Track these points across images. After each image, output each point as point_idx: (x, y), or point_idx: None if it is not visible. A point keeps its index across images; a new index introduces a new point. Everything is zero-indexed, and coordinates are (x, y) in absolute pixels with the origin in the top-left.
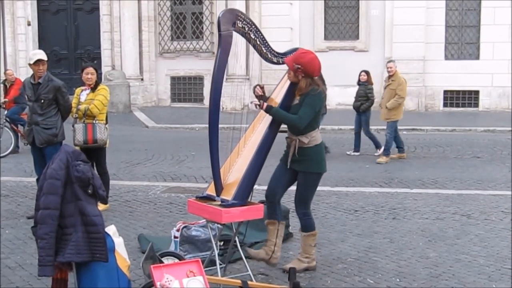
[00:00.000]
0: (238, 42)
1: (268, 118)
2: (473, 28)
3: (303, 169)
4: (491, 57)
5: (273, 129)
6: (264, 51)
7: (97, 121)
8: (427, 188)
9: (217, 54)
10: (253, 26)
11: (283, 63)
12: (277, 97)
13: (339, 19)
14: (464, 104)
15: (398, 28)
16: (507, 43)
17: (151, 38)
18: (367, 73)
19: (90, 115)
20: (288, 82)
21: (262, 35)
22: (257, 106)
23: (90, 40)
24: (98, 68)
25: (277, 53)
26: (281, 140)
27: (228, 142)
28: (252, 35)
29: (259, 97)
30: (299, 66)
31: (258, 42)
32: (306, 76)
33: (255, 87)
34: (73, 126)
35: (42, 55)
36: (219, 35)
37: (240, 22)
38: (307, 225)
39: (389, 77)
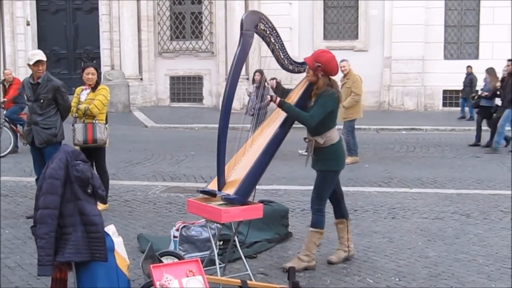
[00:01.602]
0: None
1: (278, 120)
2: (472, 27)
3: (320, 168)
4: (491, 57)
5: (283, 130)
6: (282, 57)
7: (97, 121)
8: (426, 188)
9: (236, 52)
10: (274, 31)
11: (298, 71)
12: (293, 97)
13: (339, 19)
14: None
15: (397, 27)
16: (506, 42)
17: (150, 38)
18: (261, 73)
19: (90, 115)
20: (305, 86)
21: (281, 41)
22: (271, 101)
23: (89, 40)
24: (97, 68)
25: (293, 61)
26: (286, 140)
27: (233, 141)
28: (272, 39)
29: (273, 90)
30: (319, 64)
31: (277, 47)
32: (325, 75)
33: (271, 79)
34: (73, 125)
35: (41, 55)
36: (241, 34)
37: (263, 25)
38: (318, 222)
39: (344, 76)
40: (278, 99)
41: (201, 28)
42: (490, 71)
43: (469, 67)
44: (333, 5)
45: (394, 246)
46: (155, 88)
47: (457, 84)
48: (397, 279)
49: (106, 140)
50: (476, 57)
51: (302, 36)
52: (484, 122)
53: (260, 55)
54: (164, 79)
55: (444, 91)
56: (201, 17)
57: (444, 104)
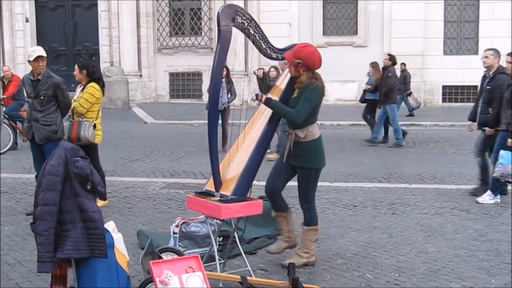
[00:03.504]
0: (237, 38)
1: (267, 114)
2: (471, 23)
3: (300, 165)
4: None
5: (272, 124)
6: (264, 46)
7: (84, 119)
8: (426, 183)
9: (216, 49)
10: (253, 22)
11: (282, 58)
12: (277, 91)
13: (338, 14)
14: (463, 99)
15: (397, 23)
16: (506, 38)
17: (150, 34)
18: (276, 69)
19: (78, 113)
20: (288, 77)
21: (261, 30)
22: (256, 99)
23: (88, 36)
24: (88, 65)
25: (276, 48)
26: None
27: (227, 138)
28: (251, 31)
29: (260, 80)
30: (300, 61)
31: (258, 38)
32: (307, 70)
33: (258, 69)
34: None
35: (41, 51)
36: (219, 30)
37: (240, 18)
38: (310, 219)
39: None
40: (264, 97)
41: (200, 24)
42: (374, 65)
43: (402, 64)
44: (332, 1)
45: (393, 241)
46: (155, 84)
47: (457, 79)
48: (397, 275)
49: (92, 138)
50: (476, 52)
51: (302, 32)
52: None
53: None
54: (164, 75)
55: (444, 87)
56: (200, 13)
57: (444, 100)
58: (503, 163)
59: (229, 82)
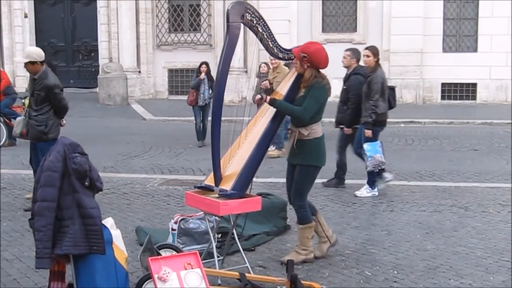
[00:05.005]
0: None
1: (270, 112)
2: (471, 20)
3: (301, 162)
4: (489, 50)
5: (275, 122)
6: (271, 45)
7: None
8: (425, 181)
9: (224, 45)
10: (261, 20)
11: (288, 59)
12: (282, 90)
13: (337, 11)
14: (462, 96)
15: (396, 20)
16: (505, 35)
17: (149, 30)
18: (266, 64)
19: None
20: (294, 77)
21: (269, 29)
22: (261, 100)
23: (87, 32)
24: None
25: (283, 48)
26: None
27: (227, 135)
28: (259, 29)
29: (264, 91)
30: (305, 55)
31: (266, 36)
32: (311, 67)
33: (263, 81)
34: None
35: (30, 57)
36: (228, 26)
37: (249, 15)
38: (303, 218)
39: (273, 69)
40: (268, 98)
41: (200, 20)
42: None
43: None
44: None
45: (392, 239)
46: (153, 80)
47: (456, 77)
48: (395, 272)
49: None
50: (475, 50)
51: (301, 28)
52: None
53: (259, 48)
54: (162, 71)
55: (443, 84)
56: (200, 9)
57: (443, 97)
58: (371, 155)
59: (210, 78)
